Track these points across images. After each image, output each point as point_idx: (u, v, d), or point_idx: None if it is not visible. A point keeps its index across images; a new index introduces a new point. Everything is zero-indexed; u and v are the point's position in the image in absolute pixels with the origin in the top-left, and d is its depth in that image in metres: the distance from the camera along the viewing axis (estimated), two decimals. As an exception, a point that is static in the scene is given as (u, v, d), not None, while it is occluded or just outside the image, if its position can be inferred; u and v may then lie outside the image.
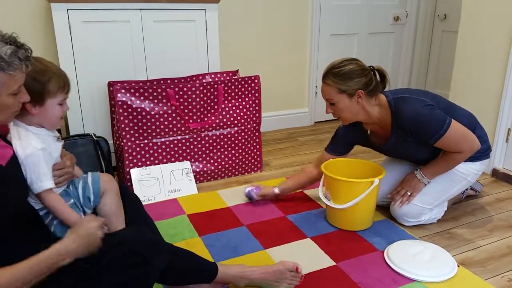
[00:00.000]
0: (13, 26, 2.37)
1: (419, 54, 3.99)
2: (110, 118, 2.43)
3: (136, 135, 2.21)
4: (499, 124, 2.40)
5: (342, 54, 3.48)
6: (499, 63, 2.36)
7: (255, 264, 1.51)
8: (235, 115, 2.41)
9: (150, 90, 2.18)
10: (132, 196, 1.55)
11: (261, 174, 2.56)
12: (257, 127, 2.52)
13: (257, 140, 2.54)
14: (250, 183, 2.26)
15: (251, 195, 2.10)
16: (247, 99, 2.44)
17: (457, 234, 1.88)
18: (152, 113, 2.20)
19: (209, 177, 2.44)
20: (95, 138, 2.24)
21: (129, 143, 2.20)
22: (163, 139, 2.27)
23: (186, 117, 2.28)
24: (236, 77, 2.50)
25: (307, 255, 1.68)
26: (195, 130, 2.33)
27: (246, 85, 2.43)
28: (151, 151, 2.26)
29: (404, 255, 1.63)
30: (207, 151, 2.39)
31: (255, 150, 2.54)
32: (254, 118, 2.49)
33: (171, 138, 2.29)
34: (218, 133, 2.40)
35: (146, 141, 2.24)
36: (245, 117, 2.45)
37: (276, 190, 2.08)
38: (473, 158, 1.83)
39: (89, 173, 1.39)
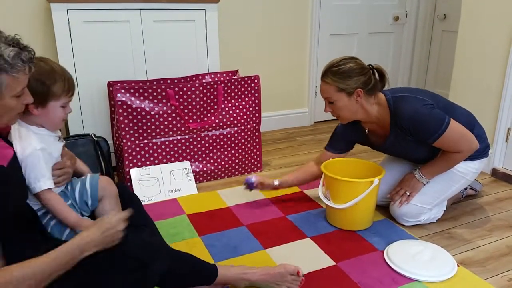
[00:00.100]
0: (13, 26, 2.37)
1: (419, 54, 3.99)
2: (110, 118, 2.43)
3: (136, 135, 2.21)
4: (499, 124, 2.40)
5: (342, 54, 3.46)
6: (499, 62, 2.36)
7: (255, 264, 1.51)
8: (234, 115, 2.41)
9: (150, 90, 2.18)
10: (132, 196, 1.55)
11: (261, 174, 2.56)
12: (256, 127, 2.52)
13: (257, 140, 2.54)
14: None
15: (251, 180, 2.01)
16: (246, 99, 2.44)
17: (456, 233, 1.88)
18: (152, 113, 2.20)
19: (209, 177, 2.44)
20: (95, 138, 2.25)
21: (129, 143, 2.20)
22: (163, 139, 2.27)
23: (186, 117, 2.28)
24: (236, 77, 2.50)
25: (307, 255, 1.68)
26: (195, 130, 2.33)
27: (246, 85, 2.43)
28: (151, 151, 2.26)
29: (404, 255, 1.63)
30: (207, 151, 2.39)
31: (254, 150, 2.54)
32: (254, 118, 2.49)
33: (171, 138, 2.29)
34: (218, 133, 2.40)
35: (146, 141, 2.24)
36: (245, 117, 2.45)
37: (276, 182, 2.04)
38: (472, 157, 1.83)
39: (88, 176, 1.39)
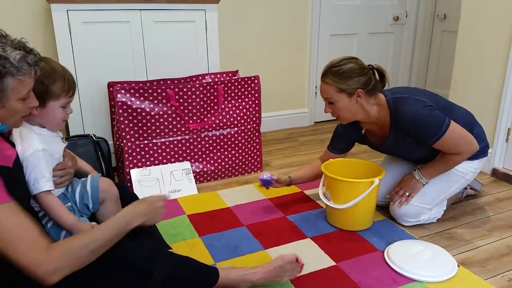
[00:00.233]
0: (13, 26, 2.37)
1: (419, 54, 3.99)
2: (110, 118, 2.43)
3: (136, 135, 2.21)
4: (499, 124, 2.40)
5: (342, 54, 3.45)
6: (499, 62, 2.36)
7: (255, 264, 1.51)
8: (235, 115, 2.42)
9: (150, 91, 2.18)
10: (132, 196, 1.55)
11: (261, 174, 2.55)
12: (257, 127, 2.52)
13: (257, 140, 2.54)
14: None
15: (268, 178, 1.97)
16: (247, 99, 2.44)
17: (457, 234, 1.88)
18: (152, 113, 2.20)
19: (209, 178, 2.44)
20: (95, 138, 2.24)
21: (129, 144, 2.20)
22: (163, 140, 2.27)
23: (186, 118, 2.29)
24: (236, 77, 2.50)
25: (307, 255, 1.68)
26: (195, 131, 2.33)
27: (246, 86, 2.43)
28: (151, 152, 2.26)
29: (404, 255, 1.63)
30: (207, 152, 2.40)
31: (255, 151, 2.54)
32: (254, 119, 2.49)
33: (171, 139, 2.29)
34: (218, 134, 2.40)
35: (146, 142, 2.24)
36: (245, 117, 2.45)
37: (288, 178, 2.03)
38: (471, 157, 1.82)
39: (88, 178, 1.38)
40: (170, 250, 1.55)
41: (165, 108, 2.22)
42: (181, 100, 2.25)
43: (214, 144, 2.40)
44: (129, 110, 2.16)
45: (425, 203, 1.87)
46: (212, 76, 2.58)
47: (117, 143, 2.29)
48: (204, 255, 1.68)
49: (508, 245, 1.79)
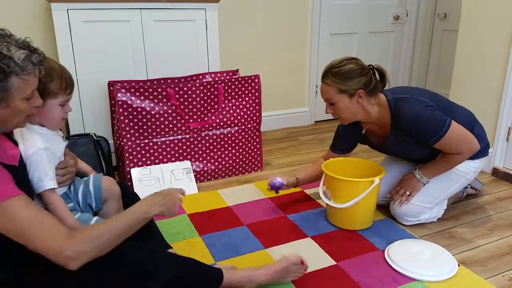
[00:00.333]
0: (13, 26, 2.35)
1: (419, 53, 3.99)
2: (110, 117, 2.43)
3: (137, 134, 2.21)
4: (499, 123, 2.40)
5: (342, 53, 3.48)
6: (500, 62, 2.36)
7: (256, 263, 1.51)
8: (235, 114, 2.41)
9: (150, 90, 2.18)
10: (133, 195, 1.55)
11: (261, 173, 2.56)
12: (257, 127, 2.52)
13: (258, 139, 2.54)
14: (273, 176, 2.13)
15: (278, 184, 1.98)
16: (247, 98, 2.44)
17: (457, 233, 1.88)
18: (153, 112, 2.20)
19: (209, 177, 2.44)
20: (95, 137, 2.24)
21: (130, 143, 2.20)
22: (163, 139, 2.27)
23: (187, 117, 2.28)
24: (236, 76, 2.50)
25: (308, 255, 1.68)
26: (195, 130, 2.33)
27: (246, 85, 2.42)
28: (152, 151, 2.26)
29: (404, 255, 1.63)
30: (208, 151, 2.39)
31: (255, 150, 2.54)
32: (254, 118, 2.49)
33: (171, 138, 2.29)
34: (218, 133, 2.40)
35: (146, 141, 2.24)
36: (245, 116, 2.45)
37: (295, 179, 2.03)
38: (472, 156, 1.82)
39: (91, 177, 1.38)
40: (170, 250, 1.55)
41: (165, 107, 2.22)
42: (181, 99, 2.25)
43: (215, 143, 2.40)
44: (130, 109, 2.16)
45: (426, 203, 1.87)
46: (213, 75, 2.58)
47: (118, 142, 2.29)
48: (204, 254, 1.68)
49: (508, 244, 1.79)
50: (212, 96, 2.33)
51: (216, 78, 2.58)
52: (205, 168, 2.40)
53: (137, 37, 2.40)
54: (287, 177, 2.03)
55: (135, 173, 2.21)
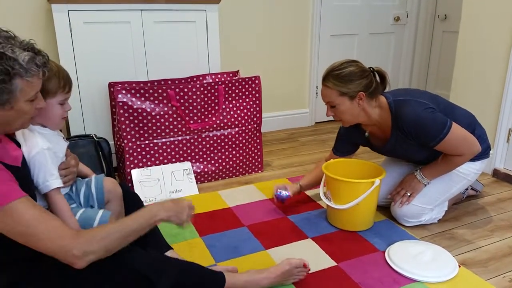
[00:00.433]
0: (14, 26, 2.35)
1: (419, 54, 3.99)
2: (111, 119, 2.43)
3: (137, 135, 2.21)
4: (500, 124, 2.40)
5: (342, 54, 3.49)
6: (500, 63, 2.36)
7: (256, 264, 1.51)
8: (235, 115, 2.42)
9: (151, 91, 2.18)
10: (134, 196, 1.55)
11: (262, 174, 2.56)
12: (257, 128, 2.52)
13: (258, 140, 2.54)
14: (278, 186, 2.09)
15: (284, 196, 1.99)
16: (247, 99, 2.44)
17: (458, 234, 1.88)
18: (153, 113, 2.20)
19: (210, 178, 2.44)
20: (96, 139, 2.25)
21: (130, 144, 2.20)
22: (164, 140, 2.27)
23: (187, 118, 2.29)
24: (236, 77, 2.50)
25: (308, 256, 1.68)
26: (195, 131, 2.33)
27: (247, 86, 2.43)
28: (152, 152, 2.26)
29: (405, 256, 1.63)
30: (208, 152, 2.39)
31: (256, 151, 2.54)
32: (255, 119, 2.49)
33: (171, 139, 2.29)
34: (219, 134, 2.40)
35: (147, 142, 2.24)
36: (246, 117, 2.45)
37: (299, 186, 2.05)
38: (473, 158, 1.82)
39: (93, 178, 1.38)
40: (171, 251, 1.55)
41: (166, 108, 2.22)
42: (181, 100, 2.25)
43: (215, 145, 2.40)
44: (130, 110, 2.16)
45: (426, 204, 1.86)
46: (213, 77, 2.58)
47: (118, 143, 2.30)
48: (204, 255, 1.68)
49: (509, 245, 1.78)
50: (213, 97, 2.33)
51: (217, 79, 2.58)
52: (206, 169, 2.40)
53: (138, 38, 2.41)
54: (291, 186, 2.04)
55: (136, 174, 2.21)
